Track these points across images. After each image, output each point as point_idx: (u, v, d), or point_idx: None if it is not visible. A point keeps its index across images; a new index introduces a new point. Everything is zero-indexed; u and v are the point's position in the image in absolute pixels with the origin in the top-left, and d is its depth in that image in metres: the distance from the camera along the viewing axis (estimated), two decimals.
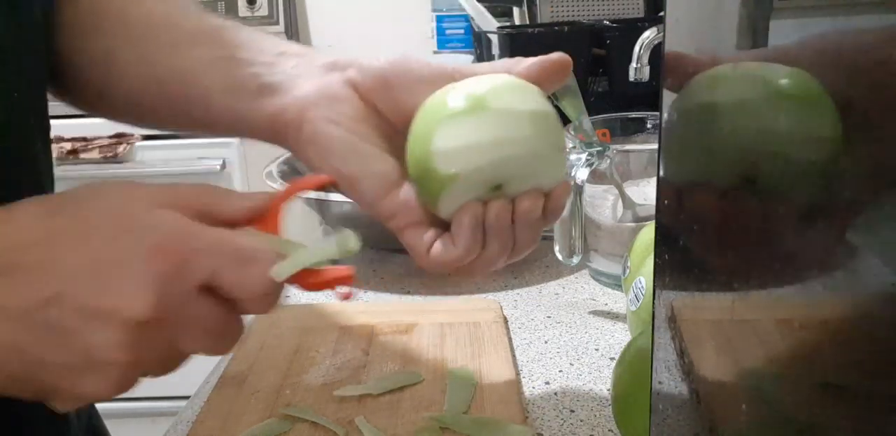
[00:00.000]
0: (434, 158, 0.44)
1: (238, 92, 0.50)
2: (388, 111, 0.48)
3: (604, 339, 0.66)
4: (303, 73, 0.50)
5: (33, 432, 0.52)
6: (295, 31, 2.08)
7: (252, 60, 0.51)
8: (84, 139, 1.76)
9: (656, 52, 0.95)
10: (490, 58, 1.33)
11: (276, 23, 2.01)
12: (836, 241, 0.21)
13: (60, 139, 1.73)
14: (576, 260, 0.70)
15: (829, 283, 0.22)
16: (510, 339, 0.66)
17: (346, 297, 0.42)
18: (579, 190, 0.67)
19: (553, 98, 0.54)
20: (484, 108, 0.44)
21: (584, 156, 0.67)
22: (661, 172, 0.33)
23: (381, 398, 0.57)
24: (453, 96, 0.45)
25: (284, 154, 0.89)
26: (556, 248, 0.71)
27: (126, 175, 1.73)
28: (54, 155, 1.02)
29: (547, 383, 0.61)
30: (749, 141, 0.26)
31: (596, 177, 0.71)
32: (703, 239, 0.31)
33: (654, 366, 0.35)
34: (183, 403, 0.62)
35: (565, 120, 0.57)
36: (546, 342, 0.66)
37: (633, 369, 0.48)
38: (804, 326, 0.24)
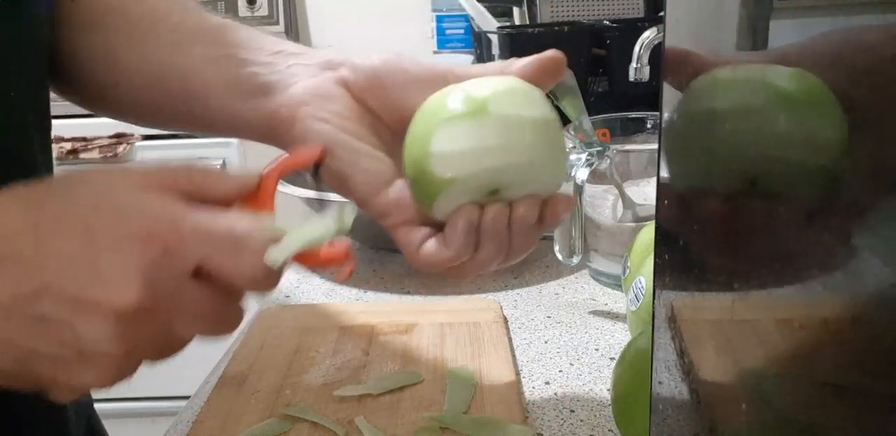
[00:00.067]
0: (431, 161, 0.44)
1: (237, 91, 0.50)
2: (380, 110, 0.48)
3: (604, 339, 0.66)
4: (298, 72, 0.50)
5: (33, 433, 0.52)
6: (295, 30, 2.08)
7: (251, 60, 0.51)
8: (84, 139, 1.75)
9: (656, 52, 0.95)
10: (490, 58, 1.33)
11: (276, 23, 2.01)
12: (837, 241, 0.21)
13: (60, 139, 1.73)
14: (576, 260, 0.70)
15: (829, 283, 0.22)
16: (510, 339, 0.66)
17: (349, 274, 0.42)
18: (579, 190, 0.67)
19: (553, 98, 0.54)
20: (485, 112, 0.43)
21: (584, 156, 0.67)
22: (662, 173, 0.33)
23: (381, 398, 0.57)
24: (454, 98, 0.44)
25: (284, 154, 0.88)
26: (556, 248, 0.71)
27: None
28: (54, 155, 1.02)
29: (547, 383, 0.61)
30: (750, 143, 0.26)
31: (596, 177, 0.71)
32: (703, 239, 0.31)
33: (654, 366, 0.35)
34: (183, 403, 0.62)
35: (565, 120, 0.56)
36: (546, 342, 0.66)
37: (633, 369, 0.48)
38: (804, 326, 0.24)
